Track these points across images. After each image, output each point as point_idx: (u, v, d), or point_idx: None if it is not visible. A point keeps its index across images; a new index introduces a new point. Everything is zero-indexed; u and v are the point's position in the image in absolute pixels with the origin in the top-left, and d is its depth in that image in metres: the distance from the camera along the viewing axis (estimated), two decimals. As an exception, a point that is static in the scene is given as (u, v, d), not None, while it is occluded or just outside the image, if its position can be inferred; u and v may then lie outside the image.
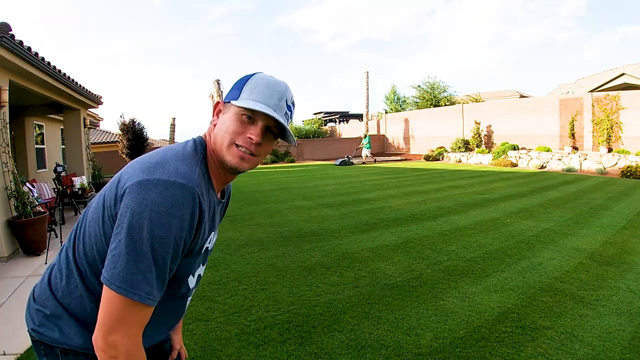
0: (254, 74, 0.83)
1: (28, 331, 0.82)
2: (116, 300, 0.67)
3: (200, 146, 0.83)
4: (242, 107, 0.77)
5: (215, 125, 0.82)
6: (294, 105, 0.85)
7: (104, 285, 0.68)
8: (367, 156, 17.20)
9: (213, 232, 0.91)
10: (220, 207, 0.92)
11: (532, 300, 2.74)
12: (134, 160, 0.79)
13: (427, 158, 17.79)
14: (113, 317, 0.67)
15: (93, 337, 0.69)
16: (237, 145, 0.78)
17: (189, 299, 0.94)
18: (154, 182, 0.68)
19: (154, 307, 0.72)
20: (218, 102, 0.85)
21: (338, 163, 16.01)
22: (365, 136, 17.43)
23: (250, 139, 0.78)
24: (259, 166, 0.88)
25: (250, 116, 0.78)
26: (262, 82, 0.80)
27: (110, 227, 0.73)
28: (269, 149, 0.84)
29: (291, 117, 0.85)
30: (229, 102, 0.80)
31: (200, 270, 0.94)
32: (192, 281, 0.89)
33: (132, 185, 0.69)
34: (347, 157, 16.60)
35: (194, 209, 0.71)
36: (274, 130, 0.81)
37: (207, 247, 0.90)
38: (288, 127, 0.80)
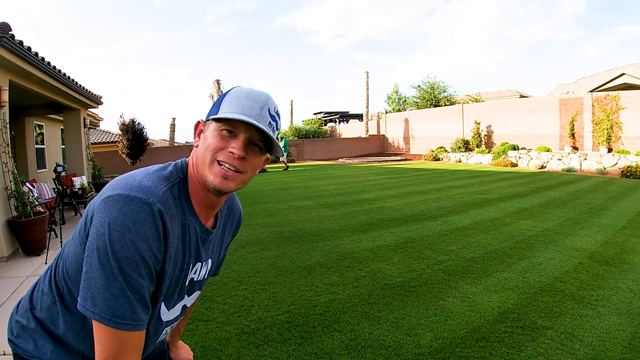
0: (231, 88, 0.78)
1: (7, 341, 0.83)
2: (105, 332, 0.64)
3: (180, 168, 0.78)
4: (220, 121, 0.72)
5: (197, 147, 0.77)
6: (279, 115, 0.79)
7: (87, 316, 0.65)
8: (282, 161, 15.35)
9: (200, 263, 0.85)
10: (212, 237, 0.86)
11: (532, 300, 2.74)
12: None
13: (427, 158, 17.79)
14: (109, 349, 0.64)
15: None
16: (219, 163, 0.73)
17: (165, 330, 0.87)
18: (115, 198, 0.65)
19: (145, 329, 0.69)
20: (199, 122, 0.80)
21: None
22: (282, 139, 14.92)
23: (232, 153, 0.72)
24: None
25: (231, 130, 0.73)
26: (241, 93, 0.75)
27: (81, 250, 0.71)
28: (255, 164, 0.77)
29: (277, 128, 0.79)
30: (209, 120, 0.76)
31: (186, 301, 0.88)
32: (165, 313, 0.81)
33: (98, 204, 0.67)
34: None
35: (157, 226, 0.67)
36: (259, 143, 0.75)
37: (193, 278, 0.84)
38: (274, 137, 0.75)
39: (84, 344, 0.78)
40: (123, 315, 0.64)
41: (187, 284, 0.83)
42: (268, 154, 0.81)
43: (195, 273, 0.84)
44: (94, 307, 0.63)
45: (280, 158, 14.84)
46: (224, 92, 0.79)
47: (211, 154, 0.73)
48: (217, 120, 0.73)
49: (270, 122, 0.76)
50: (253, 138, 0.74)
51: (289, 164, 14.32)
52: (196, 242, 0.80)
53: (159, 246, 0.68)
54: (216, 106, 0.76)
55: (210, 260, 0.90)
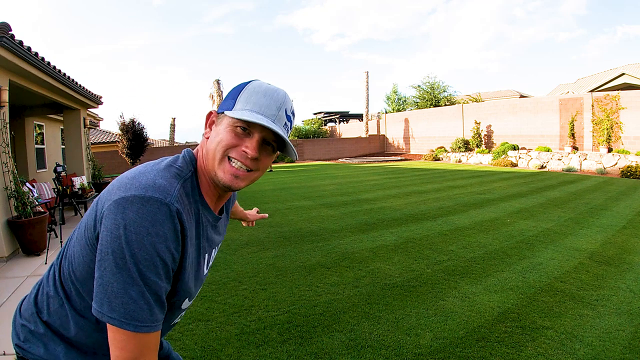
0: (249, 82, 0.76)
1: (13, 346, 0.80)
2: (124, 336, 0.62)
3: (190, 162, 0.76)
4: (236, 119, 0.71)
5: (207, 139, 0.75)
6: (294, 115, 0.78)
7: (104, 321, 0.63)
8: None
9: (212, 249, 0.87)
10: (220, 222, 0.88)
11: (532, 300, 2.74)
12: (116, 178, 0.74)
13: (427, 158, 17.79)
14: (129, 353, 0.63)
15: None
16: (230, 160, 0.72)
17: (180, 315, 0.90)
18: (130, 200, 0.63)
19: (160, 329, 0.68)
20: (211, 113, 0.77)
21: None
22: None
23: (245, 152, 0.71)
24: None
25: (245, 127, 0.72)
26: (259, 90, 0.73)
27: (89, 251, 0.69)
28: (267, 163, 0.77)
29: (291, 128, 0.78)
30: (223, 112, 0.74)
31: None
32: (187, 303, 0.84)
33: (109, 205, 0.64)
34: None
35: (175, 226, 0.65)
36: (273, 143, 0.75)
37: (207, 263, 0.87)
38: (288, 140, 0.74)
39: (96, 343, 0.77)
40: (142, 318, 0.62)
41: (206, 272, 0.86)
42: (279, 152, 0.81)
43: (209, 259, 0.87)
44: (111, 312, 0.62)
45: None
46: (235, 86, 0.77)
47: (223, 150, 0.72)
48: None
49: (285, 122, 0.75)
50: (267, 138, 0.74)
51: (290, 164, 14.33)
52: (209, 231, 0.82)
53: (177, 246, 0.67)
54: (231, 98, 0.74)
55: (216, 248, 0.93)
